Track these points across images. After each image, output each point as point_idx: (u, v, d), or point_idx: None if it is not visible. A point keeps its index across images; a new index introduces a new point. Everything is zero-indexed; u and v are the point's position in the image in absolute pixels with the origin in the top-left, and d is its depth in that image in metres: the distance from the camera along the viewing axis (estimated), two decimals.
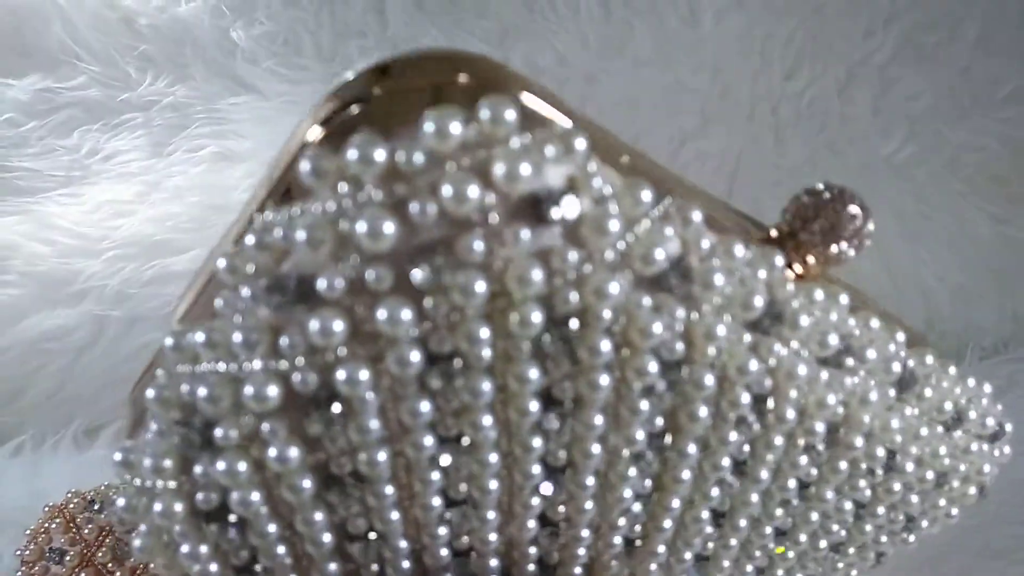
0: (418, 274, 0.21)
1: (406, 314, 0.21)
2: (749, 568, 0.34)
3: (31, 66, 0.78)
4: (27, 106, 0.76)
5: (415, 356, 0.22)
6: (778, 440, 0.27)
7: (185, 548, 0.26)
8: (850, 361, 0.27)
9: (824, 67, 0.73)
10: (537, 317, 0.22)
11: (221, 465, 0.24)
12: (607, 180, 0.23)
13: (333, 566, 0.27)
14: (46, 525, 0.38)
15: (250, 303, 0.23)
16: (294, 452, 0.23)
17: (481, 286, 0.21)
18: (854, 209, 0.28)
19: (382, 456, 0.24)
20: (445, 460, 0.25)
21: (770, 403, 0.26)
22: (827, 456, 0.29)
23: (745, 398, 0.26)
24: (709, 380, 0.25)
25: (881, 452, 0.30)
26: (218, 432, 0.24)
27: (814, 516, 0.32)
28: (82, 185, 0.75)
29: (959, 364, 0.72)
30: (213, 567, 0.27)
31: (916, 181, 0.73)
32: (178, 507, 0.25)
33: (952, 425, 0.33)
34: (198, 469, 0.25)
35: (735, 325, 0.25)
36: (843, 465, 0.29)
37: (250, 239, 0.23)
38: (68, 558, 0.37)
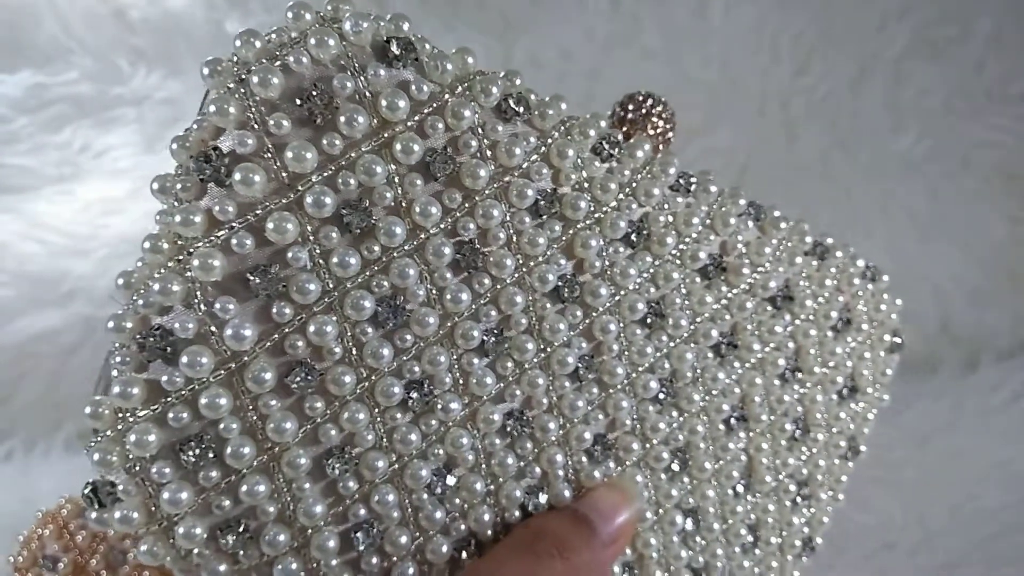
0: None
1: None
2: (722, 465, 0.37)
3: (23, 61, 0.76)
4: (18, 102, 0.75)
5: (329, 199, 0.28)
6: (675, 273, 0.33)
7: (166, 494, 0.27)
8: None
9: (835, 62, 0.72)
10: (418, 146, 0.29)
11: (184, 359, 0.27)
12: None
13: (309, 486, 0.30)
14: (39, 532, 0.37)
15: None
16: (248, 331, 0.27)
17: (363, 122, 0.28)
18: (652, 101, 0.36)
19: (330, 328, 0.29)
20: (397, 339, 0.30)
21: (650, 232, 0.33)
22: (729, 295, 0.35)
23: (623, 223, 0.32)
24: (583, 203, 0.32)
25: (773, 284, 0.36)
26: (175, 325, 0.27)
27: (757, 379, 0.36)
28: (73, 182, 0.74)
29: (974, 367, 0.72)
30: (194, 519, 0.28)
31: (929, 178, 0.72)
32: (151, 436, 0.27)
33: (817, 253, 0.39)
34: (164, 379, 0.27)
35: (584, 146, 0.32)
36: (748, 304, 0.35)
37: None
38: (61, 565, 0.36)
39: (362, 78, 0.28)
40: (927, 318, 0.73)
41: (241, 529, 0.28)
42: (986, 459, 0.67)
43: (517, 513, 0.33)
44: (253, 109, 0.27)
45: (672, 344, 0.34)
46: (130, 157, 0.74)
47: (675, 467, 0.36)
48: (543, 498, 0.34)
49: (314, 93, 0.27)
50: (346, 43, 0.28)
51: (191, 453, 0.27)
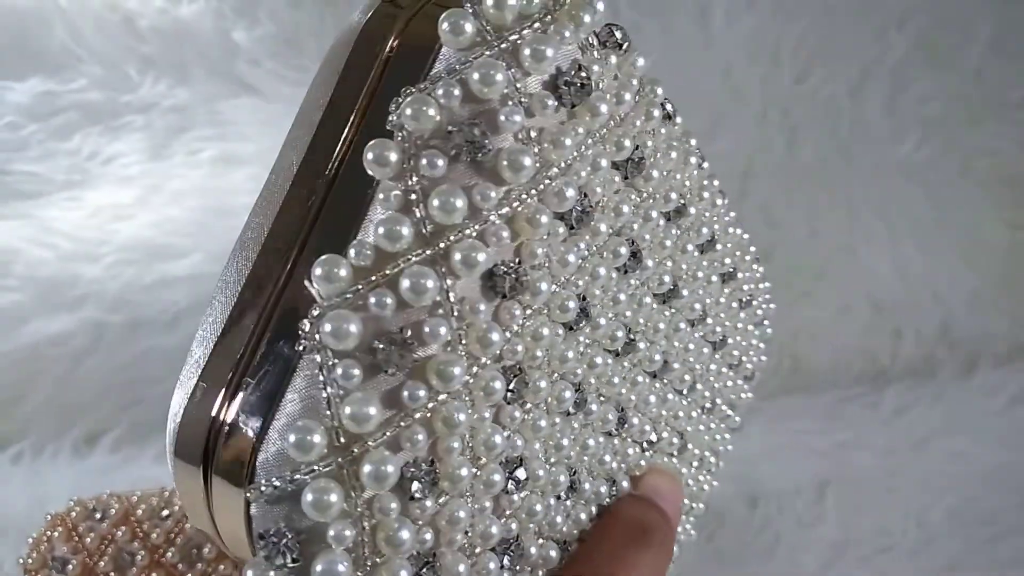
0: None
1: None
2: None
3: (33, 69, 0.77)
4: (28, 109, 0.76)
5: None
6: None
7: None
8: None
9: (836, 69, 0.72)
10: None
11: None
12: None
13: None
14: (48, 534, 0.37)
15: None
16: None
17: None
18: None
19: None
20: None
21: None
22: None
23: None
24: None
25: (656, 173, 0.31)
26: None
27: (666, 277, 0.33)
28: (82, 189, 0.75)
29: (972, 371, 0.72)
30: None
31: (929, 184, 0.72)
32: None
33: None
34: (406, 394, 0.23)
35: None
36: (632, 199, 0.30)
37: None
38: (71, 567, 0.37)
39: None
40: (926, 322, 0.73)
41: (428, 563, 0.25)
42: (985, 462, 0.67)
43: (594, 509, 0.33)
44: None
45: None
46: (138, 164, 0.75)
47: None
48: (611, 489, 0.33)
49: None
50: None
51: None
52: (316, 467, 0.22)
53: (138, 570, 0.39)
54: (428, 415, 0.23)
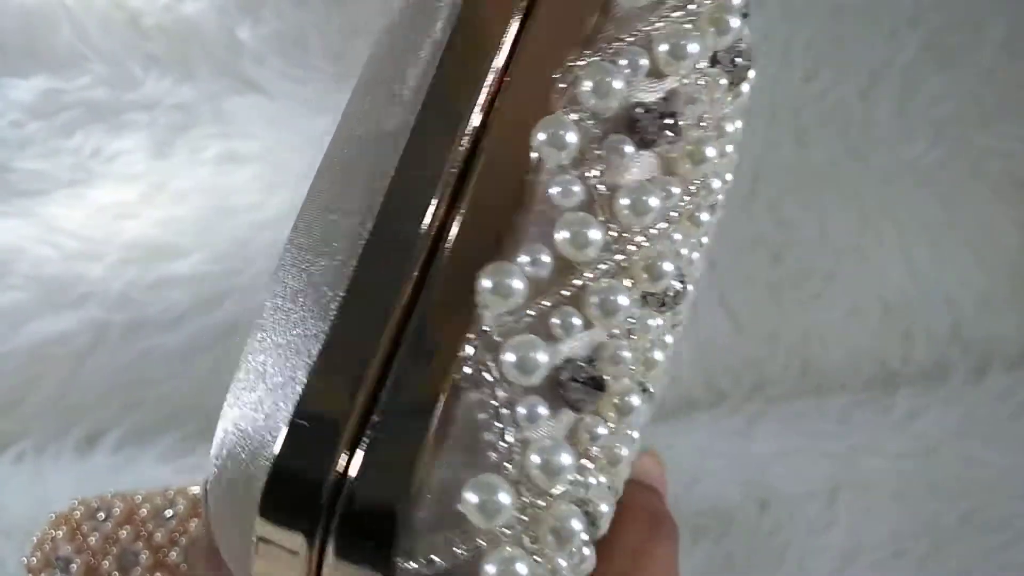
0: None
1: None
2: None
3: (37, 66, 0.77)
4: (32, 106, 0.76)
5: None
6: None
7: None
8: None
9: (846, 69, 0.72)
10: None
11: None
12: None
13: None
14: (52, 533, 0.37)
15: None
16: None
17: None
18: None
19: None
20: None
21: None
22: None
23: None
24: None
25: None
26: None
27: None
28: (86, 187, 0.74)
29: (984, 375, 0.72)
30: None
31: (940, 186, 0.72)
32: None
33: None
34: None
35: None
36: None
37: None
38: (74, 566, 0.36)
39: None
40: (937, 325, 0.73)
41: None
42: (996, 467, 0.66)
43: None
44: None
45: None
46: (142, 162, 0.75)
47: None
48: None
49: None
50: None
51: None
52: (501, 533, 0.17)
53: (142, 570, 0.39)
54: (608, 449, 0.19)
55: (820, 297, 0.73)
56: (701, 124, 0.20)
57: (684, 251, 0.20)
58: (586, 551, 0.19)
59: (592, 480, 0.18)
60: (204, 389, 0.67)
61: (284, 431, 0.17)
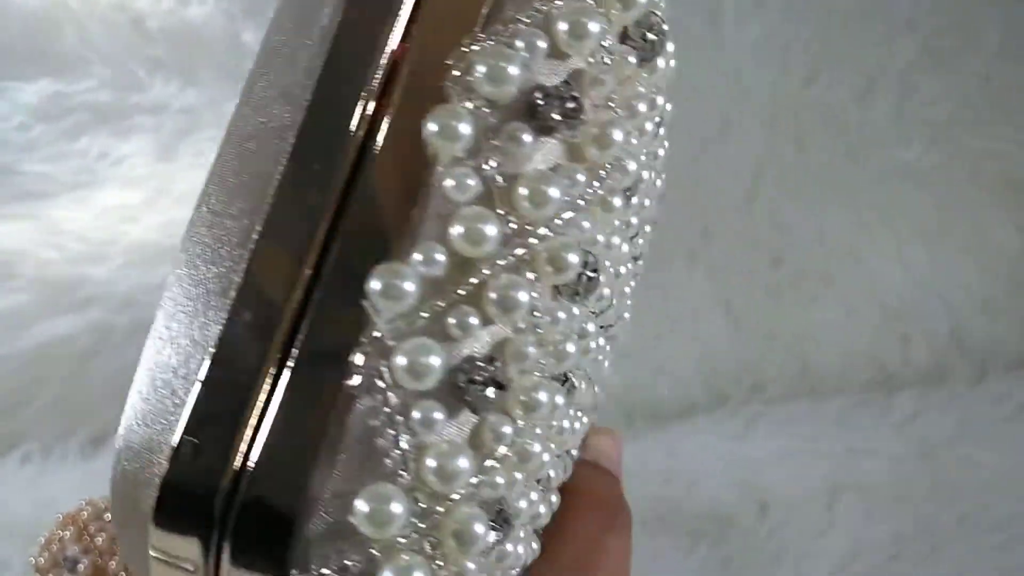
0: None
1: None
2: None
3: (42, 70, 0.77)
4: (37, 110, 0.76)
5: None
6: None
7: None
8: None
9: (844, 73, 0.72)
10: None
11: None
12: None
13: None
14: (59, 533, 0.37)
15: None
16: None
17: None
18: None
19: None
20: None
21: None
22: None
23: None
24: None
25: None
26: None
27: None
28: (90, 190, 0.75)
29: (983, 377, 0.72)
30: None
31: (938, 189, 0.72)
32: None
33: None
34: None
35: None
36: None
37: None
38: (81, 567, 0.36)
39: None
40: (936, 328, 0.73)
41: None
42: (995, 469, 0.67)
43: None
44: None
45: None
46: (146, 165, 0.75)
47: None
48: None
49: None
50: None
51: None
52: (396, 542, 0.16)
53: None
54: (512, 456, 0.18)
55: (819, 299, 0.73)
56: (609, 105, 0.19)
57: (600, 237, 0.19)
58: (509, 547, 0.19)
59: (500, 479, 0.18)
60: None
61: (177, 439, 0.17)
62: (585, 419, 0.23)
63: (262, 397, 0.17)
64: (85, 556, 0.37)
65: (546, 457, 0.19)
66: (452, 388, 0.17)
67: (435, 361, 0.16)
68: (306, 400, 0.17)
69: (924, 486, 0.66)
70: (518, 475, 0.18)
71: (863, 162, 0.73)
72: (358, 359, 0.16)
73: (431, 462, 0.16)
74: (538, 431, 0.18)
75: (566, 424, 0.20)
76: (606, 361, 0.28)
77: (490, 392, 0.17)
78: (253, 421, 0.17)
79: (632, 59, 0.19)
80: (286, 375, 0.17)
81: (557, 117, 0.18)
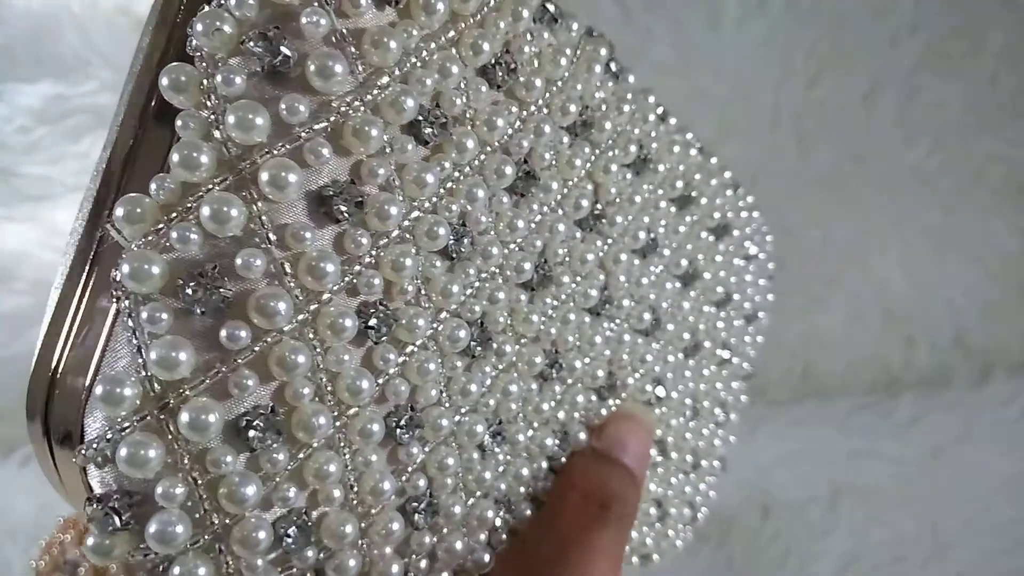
0: None
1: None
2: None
3: (43, 72, 0.77)
4: (39, 112, 0.76)
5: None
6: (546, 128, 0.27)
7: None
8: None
9: (848, 75, 0.72)
10: (488, 45, 0.25)
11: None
12: None
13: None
14: (60, 537, 0.37)
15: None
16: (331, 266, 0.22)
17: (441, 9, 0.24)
18: None
19: (408, 261, 0.24)
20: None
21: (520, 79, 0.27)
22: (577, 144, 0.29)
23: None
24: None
25: (633, 149, 0.32)
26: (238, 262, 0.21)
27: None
28: None
29: (986, 380, 0.72)
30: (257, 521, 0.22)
31: (942, 192, 0.72)
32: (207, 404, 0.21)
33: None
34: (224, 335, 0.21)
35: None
36: (586, 149, 0.29)
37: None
38: (82, 570, 0.36)
39: None
40: (940, 331, 0.73)
41: (299, 523, 0.23)
42: (998, 472, 0.67)
43: (544, 464, 0.30)
44: None
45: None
46: None
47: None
48: (558, 443, 0.31)
49: None
50: None
51: (254, 430, 0.22)
52: (131, 422, 0.20)
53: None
54: (257, 358, 0.21)
55: (821, 302, 0.73)
56: (334, 42, 0.22)
57: (330, 156, 0.22)
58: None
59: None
60: None
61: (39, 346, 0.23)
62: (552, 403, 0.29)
63: (76, 312, 0.22)
64: (86, 560, 0.37)
65: (300, 359, 0.21)
66: (175, 291, 0.20)
67: (156, 269, 0.20)
68: (96, 315, 0.21)
69: (927, 488, 0.66)
70: (250, 381, 0.21)
71: (866, 164, 0.72)
72: (115, 275, 0.20)
73: (153, 354, 0.20)
74: (291, 341, 0.22)
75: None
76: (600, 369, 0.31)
77: (210, 292, 0.21)
78: (73, 336, 0.22)
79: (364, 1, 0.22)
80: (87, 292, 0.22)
81: (264, 57, 0.21)
